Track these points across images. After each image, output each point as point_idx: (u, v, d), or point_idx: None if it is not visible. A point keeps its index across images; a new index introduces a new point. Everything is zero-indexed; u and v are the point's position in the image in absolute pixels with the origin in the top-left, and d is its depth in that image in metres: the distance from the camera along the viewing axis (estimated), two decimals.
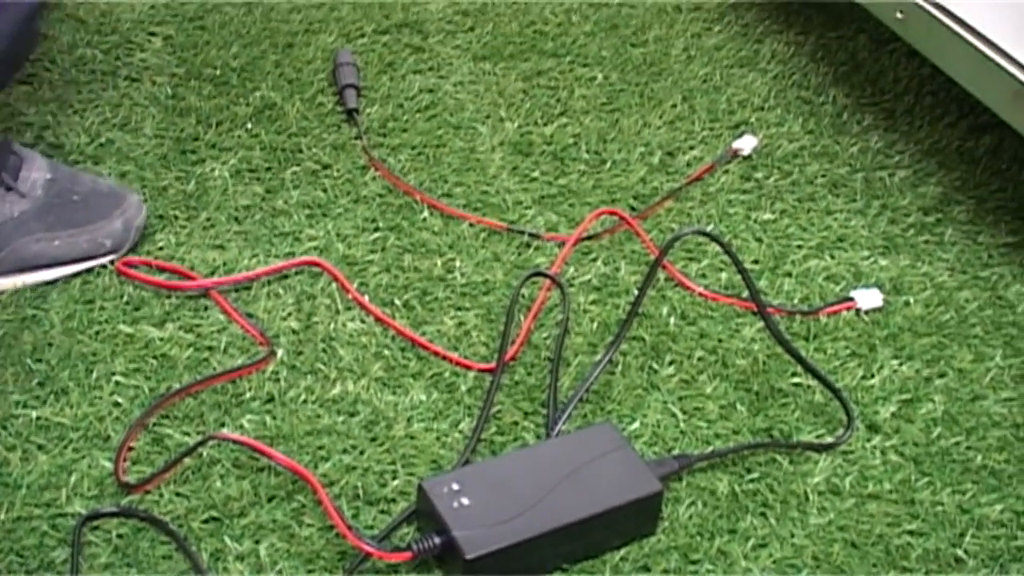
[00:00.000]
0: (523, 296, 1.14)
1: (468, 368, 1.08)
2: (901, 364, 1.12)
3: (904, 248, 1.25)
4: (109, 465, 0.98)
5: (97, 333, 1.09)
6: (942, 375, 1.12)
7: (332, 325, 1.11)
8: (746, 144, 1.35)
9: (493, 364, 1.07)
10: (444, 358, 1.09)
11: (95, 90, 1.37)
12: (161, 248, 1.18)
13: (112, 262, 1.15)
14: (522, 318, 1.12)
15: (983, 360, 1.14)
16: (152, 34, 1.48)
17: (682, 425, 1.05)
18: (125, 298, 1.13)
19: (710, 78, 1.46)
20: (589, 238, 1.22)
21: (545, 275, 1.15)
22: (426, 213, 1.24)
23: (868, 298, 1.17)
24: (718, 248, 1.17)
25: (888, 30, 1.36)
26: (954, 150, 1.40)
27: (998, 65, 1.20)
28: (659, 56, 1.50)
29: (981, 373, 1.12)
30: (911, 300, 1.19)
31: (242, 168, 1.28)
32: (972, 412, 1.08)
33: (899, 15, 1.31)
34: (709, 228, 1.23)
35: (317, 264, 1.16)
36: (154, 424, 1.02)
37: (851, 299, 1.16)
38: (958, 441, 1.06)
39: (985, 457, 1.04)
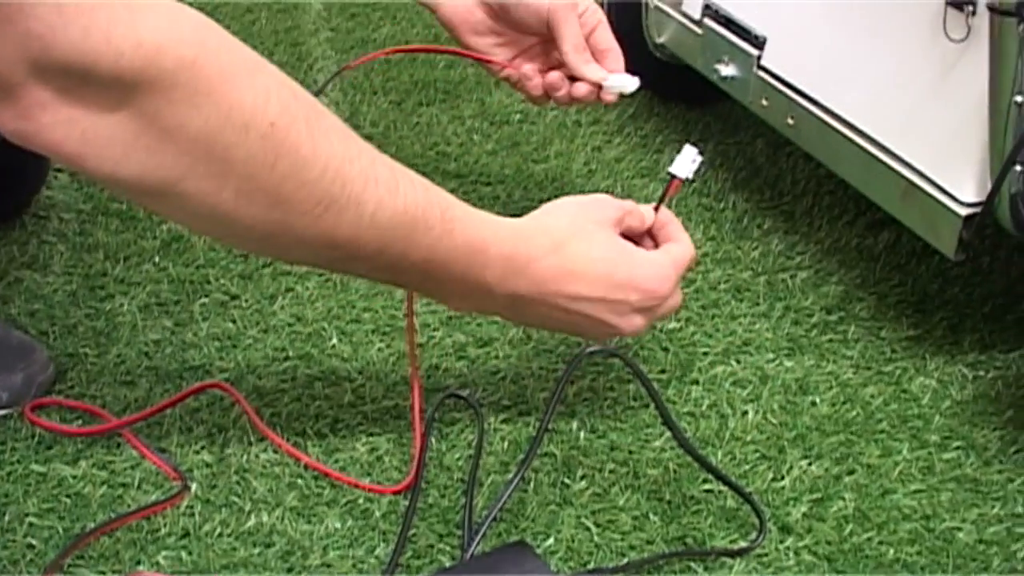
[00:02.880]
0: (436, 418, 1.15)
1: (381, 494, 1.08)
2: (810, 464, 1.14)
3: (808, 348, 1.28)
4: None
5: (9, 474, 1.09)
6: (851, 472, 1.13)
7: (245, 457, 1.11)
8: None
9: (407, 486, 1.07)
10: (355, 486, 1.09)
11: (2, 229, 1.37)
12: (72, 387, 1.18)
13: (11, 415, 1.15)
14: (432, 440, 1.13)
15: (891, 454, 1.15)
16: (58, 170, 1.48)
17: (596, 539, 1.05)
18: (37, 437, 1.12)
19: (612, 190, 1.49)
20: (497, 357, 1.24)
21: (459, 396, 1.16)
22: (335, 340, 1.25)
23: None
24: None
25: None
26: (854, 248, 1.43)
27: (886, 165, 1.24)
28: (561, 171, 1.52)
29: (889, 467, 1.14)
30: (817, 400, 1.21)
31: (151, 302, 1.29)
32: (882, 507, 1.10)
33: (790, 121, 1.35)
34: (614, 341, 1.25)
35: (220, 387, 1.17)
36: (69, 565, 1.01)
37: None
38: (870, 537, 1.07)
39: (897, 551, 1.06)
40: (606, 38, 1.29)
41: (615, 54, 1.29)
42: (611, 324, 1.05)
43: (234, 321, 1.27)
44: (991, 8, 1.06)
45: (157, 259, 1.35)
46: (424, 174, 0.95)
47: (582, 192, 1.43)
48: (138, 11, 0.79)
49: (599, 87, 1.29)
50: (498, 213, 1.41)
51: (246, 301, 1.30)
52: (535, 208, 1.02)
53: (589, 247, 1.04)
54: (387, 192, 0.94)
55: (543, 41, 1.31)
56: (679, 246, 1.09)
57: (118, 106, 0.81)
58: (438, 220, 0.98)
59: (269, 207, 0.89)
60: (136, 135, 0.83)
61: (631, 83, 1.29)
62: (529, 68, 1.30)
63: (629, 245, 1.07)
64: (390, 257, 0.96)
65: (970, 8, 1.12)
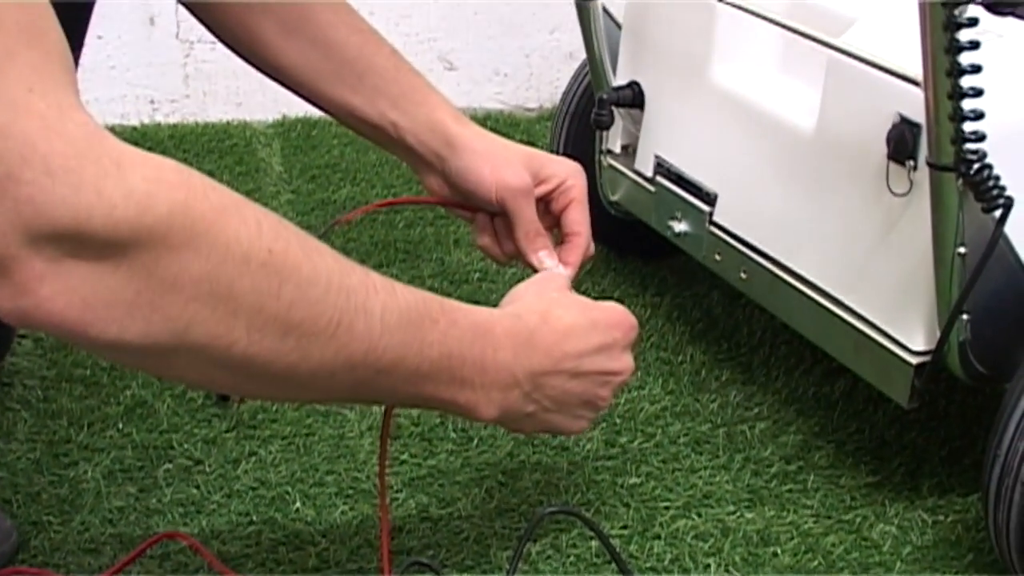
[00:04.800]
0: None
1: None
2: None
3: (769, 499, 1.29)
4: None
5: None
6: None
7: None
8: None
9: None
10: None
11: None
12: (35, 555, 1.18)
13: None
14: None
15: None
16: (22, 336, 1.49)
17: None
18: None
19: None
20: (460, 517, 1.24)
21: (423, 564, 1.16)
22: (299, 503, 1.26)
23: None
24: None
25: None
26: (811, 397, 1.45)
27: (838, 317, 1.26)
28: None
29: None
30: (779, 551, 1.22)
31: (115, 469, 1.29)
32: None
33: (743, 275, 1.37)
34: (576, 498, 1.26)
35: (177, 536, 1.18)
36: None
37: None
38: None
39: None
40: (575, 220, 1.23)
41: (576, 243, 1.23)
42: (614, 371, 1.08)
43: (198, 486, 1.27)
44: (931, 164, 1.09)
45: (121, 425, 1.36)
46: None
47: None
48: (124, 164, 0.79)
49: None
50: None
51: (210, 466, 1.30)
52: None
53: (567, 311, 1.07)
54: (387, 295, 0.94)
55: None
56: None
57: (116, 266, 0.81)
58: (439, 312, 0.98)
59: (282, 336, 0.88)
60: (137, 292, 0.82)
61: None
62: (489, 241, 1.28)
63: (587, 299, 1.11)
64: (410, 363, 0.96)
65: (911, 164, 1.16)
